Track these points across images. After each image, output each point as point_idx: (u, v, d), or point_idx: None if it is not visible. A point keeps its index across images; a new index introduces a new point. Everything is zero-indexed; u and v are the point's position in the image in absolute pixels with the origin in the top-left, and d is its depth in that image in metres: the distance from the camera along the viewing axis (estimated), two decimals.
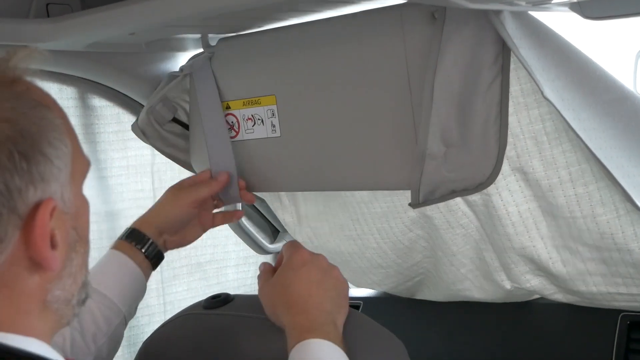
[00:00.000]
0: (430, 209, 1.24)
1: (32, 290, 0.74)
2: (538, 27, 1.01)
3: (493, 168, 1.10)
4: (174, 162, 1.68)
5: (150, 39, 1.38)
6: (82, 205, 0.80)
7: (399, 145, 1.16)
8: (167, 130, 1.50)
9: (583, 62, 1.03)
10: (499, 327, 1.48)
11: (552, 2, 0.96)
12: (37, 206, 0.71)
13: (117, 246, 1.25)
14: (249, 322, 1.13)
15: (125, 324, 1.23)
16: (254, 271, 1.88)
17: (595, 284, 1.27)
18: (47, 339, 0.76)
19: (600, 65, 1.05)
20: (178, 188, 1.34)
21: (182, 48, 1.49)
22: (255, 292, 1.86)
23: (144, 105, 1.59)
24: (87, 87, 1.54)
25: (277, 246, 1.83)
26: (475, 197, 1.18)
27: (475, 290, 1.43)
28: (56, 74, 1.48)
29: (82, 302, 0.81)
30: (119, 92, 1.57)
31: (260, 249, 1.74)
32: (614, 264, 1.21)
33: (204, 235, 1.77)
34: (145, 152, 1.66)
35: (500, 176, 1.13)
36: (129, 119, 1.61)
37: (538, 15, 1.02)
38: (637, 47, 1.59)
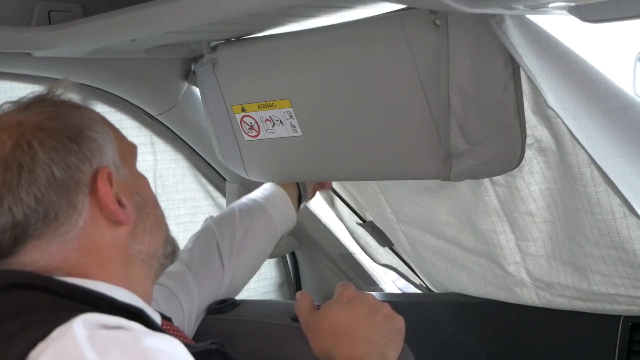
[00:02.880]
0: None
1: (116, 245, 0.91)
2: (541, 35, 1.01)
3: (518, 160, 1.12)
4: (176, 168, 1.70)
5: (151, 44, 1.39)
6: (141, 179, 0.99)
7: (425, 140, 1.17)
8: None
9: (585, 70, 1.04)
10: (502, 329, 1.49)
11: (551, 5, 0.96)
12: (95, 175, 0.89)
13: (279, 183, 1.48)
14: (254, 327, 1.13)
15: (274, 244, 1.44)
16: (257, 275, 1.86)
17: (596, 283, 1.29)
18: (141, 288, 0.93)
19: (602, 73, 1.05)
20: None
21: (183, 53, 1.49)
22: (258, 297, 1.88)
23: (146, 111, 1.60)
24: (89, 93, 1.53)
25: (280, 250, 1.83)
26: (499, 179, 1.23)
27: (487, 273, 1.45)
28: (57, 80, 1.48)
29: (171, 254, 0.99)
30: (120, 97, 1.57)
31: None
32: (612, 263, 1.23)
33: None
34: (147, 157, 1.66)
35: (523, 162, 1.16)
36: (131, 124, 1.62)
37: (539, 20, 1.02)
38: (636, 50, 1.60)
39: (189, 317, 1.21)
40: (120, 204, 0.91)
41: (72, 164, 0.87)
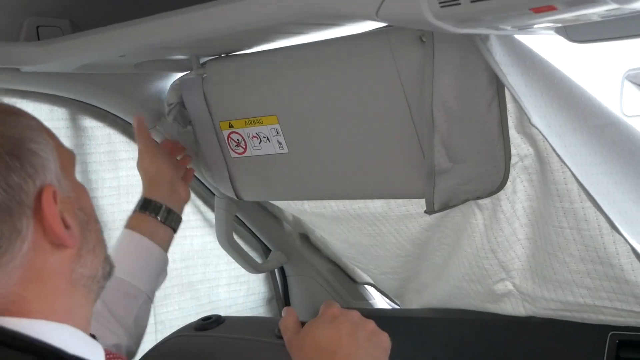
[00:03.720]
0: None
1: (59, 271, 0.82)
2: (525, 53, 1.02)
3: (502, 180, 1.13)
4: None
5: (140, 60, 1.39)
6: (80, 190, 0.88)
7: (409, 158, 1.18)
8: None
9: (570, 88, 1.04)
10: (488, 346, 1.49)
11: (537, 26, 0.97)
12: (39, 195, 0.79)
13: (132, 223, 1.33)
14: (240, 344, 1.13)
15: (151, 301, 1.31)
16: (246, 290, 1.88)
17: (582, 296, 1.30)
18: (81, 318, 0.85)
19: (587, 91, 1.05)
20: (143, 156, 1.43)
21: (171, 68, 1.49)
22: (246, 312, 1.87)
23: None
24: (77, 108, 1.53)
25: (269, 265, 1.83)
26: (485, 201, 1.23)
27: (470, 292, 1.45)
28: (47, 95, 1.48)
29: (108, 275, 0.90)
30: (109, 112, 1.57)
31: (251, 267, 1.74)
32: (598, 278, 1.24)
33: (195, 255, 1.79)
34: (136, 172, 1.65)
35: (508, 183, 1.17)
36: (119, 139, 1.62)
37: (525, 39, 1.03)
38: (623, 69, 1.61)
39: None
40: (65, 224, 0.81)
41: (15, 184, 0.77)
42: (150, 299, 1.31)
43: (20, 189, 0.77)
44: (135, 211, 1.36)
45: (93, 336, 0.88)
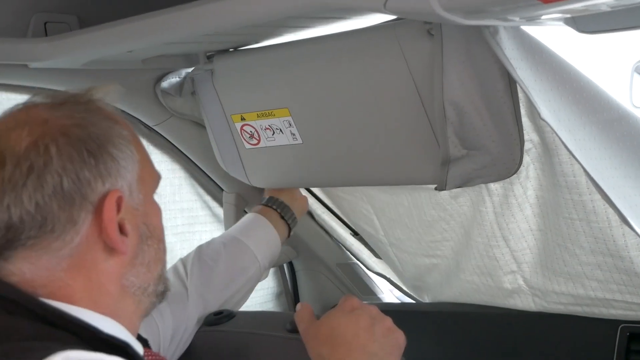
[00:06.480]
0: (456, 189, 1.26)
1: (109, 272, 0.86)
2: (535, 47, 1.01)
3: (517, 166, 1.12)
4: (173, 178, 1.70)
5: (148, 55, 1.39)
6: (153, 209, 0.94)
7: (422, 147, 1.17)
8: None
9: (579, 82, 1.03)
10: (499, 339, 1.49)
11: (546, 17, 0.96)
12: (105, 196, 0.84)
13: (259, 211, 1.47)
14: (251, 339, 1.13)
15: (261, 273, 1.43)
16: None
17: (592, 289, 1.30)
18: (128, 321, 0.88)
19: (596, 84, 1.04)
20: None
21: (179, 64, 1.49)
22: (256, 307, 1.87)
23: (142, 121, 1.60)
24: None
25: (278, 260, 1.82)
26: (496, 186, 1.24)
27: (480, 286, 1.45)
28: (54, 91, 1.48)
29: (161, 294, 0.94)
30: (117, 108, 1.56)
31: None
32: (608, 270, 1.24)
33: None
34: None
35: (522, 168, 1.16)
36: None
37: (534, 31, 1.02)
38: (633, 60, 1.60)
39: (163, 336, 1.20)
40: (122, 231, 0.86)
41: (84, 178, 0.83)
42: (261, 270, 1.41)
43: (87, 184, 0.83)
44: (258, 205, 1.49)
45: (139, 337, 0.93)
